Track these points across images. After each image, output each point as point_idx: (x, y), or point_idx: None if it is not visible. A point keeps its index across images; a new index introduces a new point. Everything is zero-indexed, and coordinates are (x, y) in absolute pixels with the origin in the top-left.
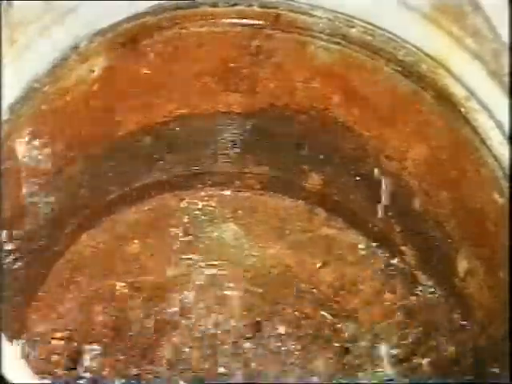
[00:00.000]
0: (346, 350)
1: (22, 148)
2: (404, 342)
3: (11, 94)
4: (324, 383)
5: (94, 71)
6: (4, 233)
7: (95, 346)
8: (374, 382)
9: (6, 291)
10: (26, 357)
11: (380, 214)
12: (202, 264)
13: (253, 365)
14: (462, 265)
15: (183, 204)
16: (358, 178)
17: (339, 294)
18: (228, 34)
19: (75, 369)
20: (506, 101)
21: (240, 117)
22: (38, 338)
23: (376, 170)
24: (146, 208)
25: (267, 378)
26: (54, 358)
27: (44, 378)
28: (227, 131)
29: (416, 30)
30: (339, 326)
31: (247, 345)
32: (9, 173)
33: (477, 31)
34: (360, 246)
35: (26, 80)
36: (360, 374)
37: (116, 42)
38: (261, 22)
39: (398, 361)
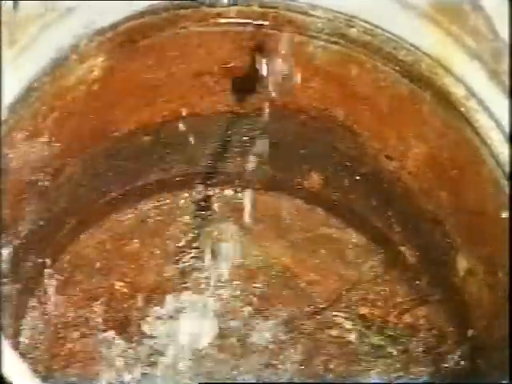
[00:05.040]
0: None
1: (22, 148)
2: (403, 341)
3: (11, 94)
4: (322, 383)
5: (93, 71)
6: (3, 233)
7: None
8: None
9: (5, 291)
10: (25, 357)
11: None
12: (202, 263)
13: (253, 364)
14: (462, 264)
15: (182, 204)
16: (357, 178)
17: (338, 293)
18: (227, 34)
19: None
20: (505, 100)
21: (239, 116)
22: (38, 338)
23: None
24: (145, 208)
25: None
26: (55, 357)
27: (44, 378)
28: (227, 131)
29: (415, 29)
30: (339, 324)
31: (247, 345)
32: (8, 173)
33: (477, 30)
34: (359, 246)
35: (26, 80)
36: None
37: (116, 42)
38: (260, 22)
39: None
